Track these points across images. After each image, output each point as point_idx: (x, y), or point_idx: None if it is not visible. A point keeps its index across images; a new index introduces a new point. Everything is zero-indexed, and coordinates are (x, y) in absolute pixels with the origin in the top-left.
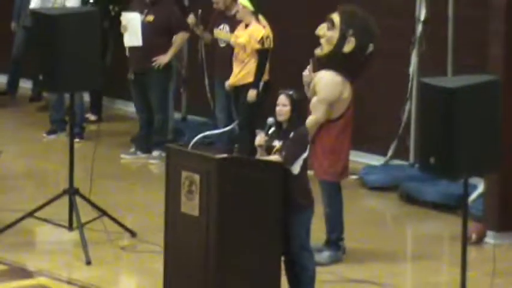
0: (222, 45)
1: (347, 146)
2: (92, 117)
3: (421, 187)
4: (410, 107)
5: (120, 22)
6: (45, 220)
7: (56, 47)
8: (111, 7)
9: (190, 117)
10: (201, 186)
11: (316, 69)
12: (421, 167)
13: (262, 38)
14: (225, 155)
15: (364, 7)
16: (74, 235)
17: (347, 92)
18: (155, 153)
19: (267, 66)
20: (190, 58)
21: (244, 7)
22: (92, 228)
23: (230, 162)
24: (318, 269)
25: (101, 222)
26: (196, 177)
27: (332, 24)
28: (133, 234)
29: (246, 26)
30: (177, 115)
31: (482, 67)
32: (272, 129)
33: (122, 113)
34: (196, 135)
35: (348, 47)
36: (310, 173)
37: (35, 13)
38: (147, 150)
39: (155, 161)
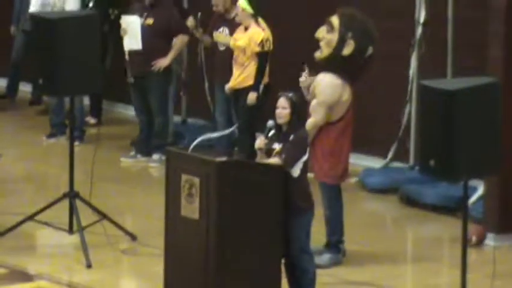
0: (222, 48)
1: (347, 149)
2: (92, 121)
3: (421, 189)
4: (410, 110)
5: (119, 25)
6: (45, 223)
7: (55, 50)
8: (110, 10)
9: (190, 120)
10: (201, 190)
11: (312, 72)
12: (421, 169)
13: (262, 40)
14: (224, 158)
15: (364, 9)
16: (74, 238)
17: (347, 95)
18: (155, 156)
19: (267, 69)
20: (190, 61)
21: (243, 10)
22: (92, 232)
23: (230, 165)
24: (318, 271)
25: (101, 225)
26: (196, 180)
27: (331, 27)
28: (133, 237)
29: (245, 28)
30: (177, 118)
31: (482, 69)
32: (272, 132)
33: (122, 117)
34: (196, 139)
35: (347, 50)
36: (310, 175)
37: (34, 17)
38: (147, 153)
39: (155, 164)
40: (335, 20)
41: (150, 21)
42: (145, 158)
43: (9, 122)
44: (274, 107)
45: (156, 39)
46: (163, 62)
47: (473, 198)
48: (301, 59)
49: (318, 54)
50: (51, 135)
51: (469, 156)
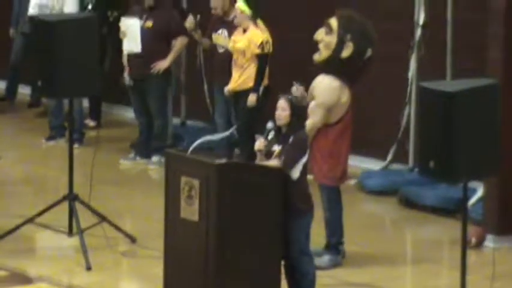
0: (221, 50)
1: (346, 150)
2: (91, 123)
3: (421, 191)
4: (410, 111)
5: (118, 28)
6: (45, 226)
7: (54, 53)
8: (109, 13)
9: (189, 122)
10: (200, 192)
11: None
12: (420, 171)
13: (262, 42)
14: (224, 160)
15: (362, 11)
16: (74, 241)
17: (345, 97)
18: (154, 158)
19: (267, 70)
20: (189, 63)
21: (242, 12)
22: (91, 234)
23: (229, 167)
24: (318, 273)
25: (100, 227)
26: (196, 182)
27: (330, 29)
28: (133, 239)
29: (244, 31)
30: (176, 120)
31: (481, 71)
32: (271, 133)
33: (121, 119)
34: (195, 141)
35: (346, 52)
36: (309, 177)
37: (33, 19)
38: (147, 155)
39: (155, 167)
40: (334, 22)
41: (149, 23)
42: (144, 160)
43: (8, 125)
44: (274, 109)
45: (155, 42)
46: (162, 64)
47: (472, 200)
48: (300, 61)
49: (316, 57)
50: (50, 138)
51: (469, 157)
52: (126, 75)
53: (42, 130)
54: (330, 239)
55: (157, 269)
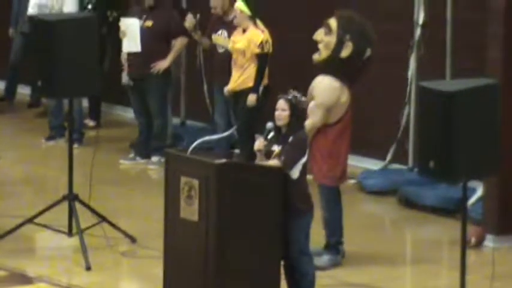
0: (221, 50)
1: (345, 150)
2: (91, 123)
3: (420, 191)
4: (409, 111)
5: (118, 28)
6: (44, 226)
7: (53, 52)
8: (109, 13)
9: (189, 122)
10: (200, 192)
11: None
12: (420, 171)
13: (262, 42)
14: (224, 160)
15: (362, 12)
16: (74, 241)
17: (345, 97)
18: (154, 158)
19: (266, 70)
20: (189, 64)
21: (241, 12)
22: (91, 234)
23: (229, 167)
24: (318, 273)
25: (100, 228)
26: (196, 182)
27: (329, 30)
28: (133, 239)
29: (243, 31)
30: (176, 120)
31: (480, 70)
32: (271, 134)
33: (121, 119)
34: (195, 141)
35: (345, 52)
36: (309, 177)
37: (32, 19)
38: (146, 155)
39: (154, 167)
40: (333, 22)
41: (149, 23)
42: (144, 160)
43: (8, 125)
44: (274, 109)
45: (155, 42)
46: (162, 64)
47: (472, 200)
48: (299, 61)
49: (316, 57)
50: (50, 138)
51: (468, 157)
52: (124, 74)
53: (41, 130)
54: (329, 239)
55: (157, 269)
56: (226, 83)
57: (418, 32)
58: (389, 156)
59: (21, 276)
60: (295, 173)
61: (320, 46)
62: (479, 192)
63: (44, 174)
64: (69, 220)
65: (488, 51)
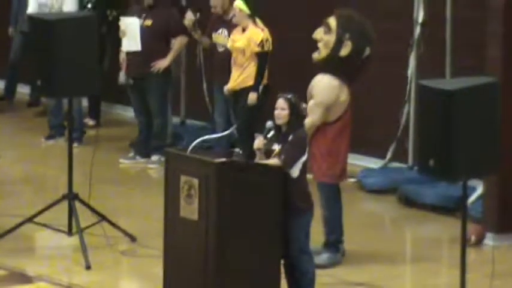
0: (221, 49)
1: (345, 149)
2: (91, 122)
3: (420, 189)
4: (409, 110)
5: (117, 27)
6: (44, 225)
7: (53, 52)
8: (108, 12)
9: (189, 121)
10: (200, 191)
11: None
12: (420, 169)
13: (262, 41)
14: (223, 159)
15: (362, 10)
16: (74, 240)
17: (344, 95)
18: (154, 157)
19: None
20: (189, 63)
21: (240, 10)
22: (91, 233)
23: (229, 166)
24: (318, 271)
25: (100, 227)
26: (195, 181)
27: (328, 28)
28: (132, 238)
29: (243, 29)
30: (176, 119)
31: (480, 69)
32: (271, 132)
33: (121, 118)
34: (195, 140)
35: (344, 51)
36: (309, 176)
37: (32, 18)
38: (146, 154)
39: (154, 166)
40: (332, 21)
41: (148, 22)
42: (144, 159)
43: (8, 124)
44: (273, 108)
45: (155, 41)
46: (162, 63)
47: (472, 198)
48: (299, 60)
49: (315, 56)
50: (49, 137)
51: (468, 156)
52: (121, 74)
53: (41, 129)
54: (328, 237)
55: (157, 268)
56: (226, 82)
57: (417, 30)
58: (389, 155)
59: (21, 276)
60: (295, 172)
61: (319, 45)
62: (479, 190)
63: (43, 174)
64: (69, 219)
65: (487, 49)
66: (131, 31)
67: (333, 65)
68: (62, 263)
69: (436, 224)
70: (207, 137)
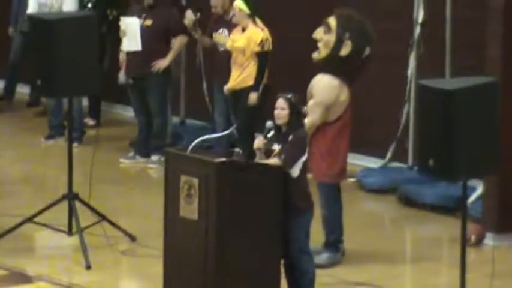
0: (221, 49)
1: (345, 148)
2: (91, 122)
3: (420, 189)
4: (409, 109)
5: (117, 26)
6: (44, 225)
7: (53, 51)
8: (108, 11)
9: (189, 121)
10: (200, 190)
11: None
12: (420, 169)
13: (262, 40)
14: (223, 159)
15: (361, 10)
16: (74, 240)
17: (344, 95)
18: (154, 157)
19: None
20: (189, 62)
21: (240, 10)
22: (91, 233)
23: (229, 166)
24: (318, 271)
25: (100, 226)
26: (195, 181)
27: (328, 28)
28: (133, 238)
29: (243, 29)
30: (176, 119)
31: (480, 68)
32: (271, 132)
33: (121, 118)
34: (195, 139)
35: (344, 51)
36: (309, 176)
37: (32, 18)
38: (146, 154)
39: (154, 165)
40: (332, 21)
41: (149, 22)
42: (144, 159)
43: (7, 124)
44: (273, 108)
45: (155, 41)
46: (162, 63)
47: (472, 198)
48: (299, 59)
49: (315, 55)
50: (49, 137)
51: (468, 155)
52: (121, 74)
53: (41, 129)
54: (328, 237)
55: (157, 268)
56: (226, 81)
57: (417, 30)
58: (389, 155)
59: (21, 275)
60: (295, 172)
61: (319, 45)
62: (479, 190)
63: (43, 173)
64: (69, 219)
65: (487, 49)
66: (131, 31)
67: (332, 64)
68: (62, 263)
69: (436, 224)
70: (207, 136)
